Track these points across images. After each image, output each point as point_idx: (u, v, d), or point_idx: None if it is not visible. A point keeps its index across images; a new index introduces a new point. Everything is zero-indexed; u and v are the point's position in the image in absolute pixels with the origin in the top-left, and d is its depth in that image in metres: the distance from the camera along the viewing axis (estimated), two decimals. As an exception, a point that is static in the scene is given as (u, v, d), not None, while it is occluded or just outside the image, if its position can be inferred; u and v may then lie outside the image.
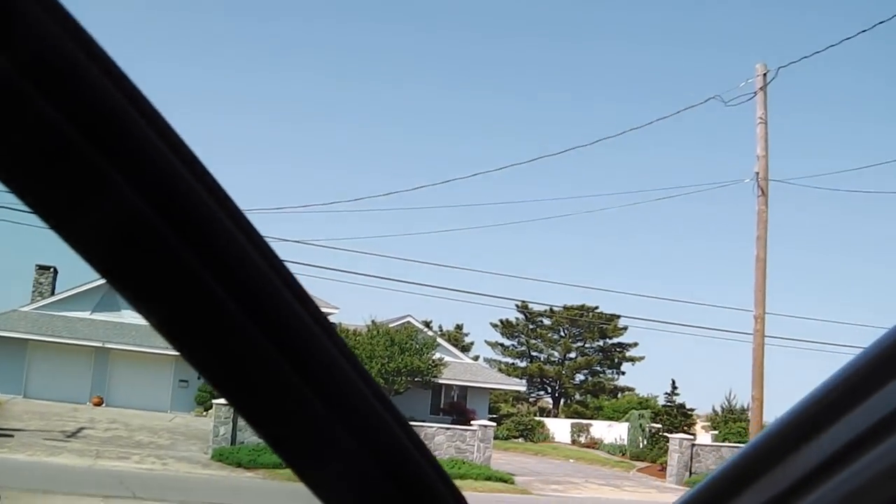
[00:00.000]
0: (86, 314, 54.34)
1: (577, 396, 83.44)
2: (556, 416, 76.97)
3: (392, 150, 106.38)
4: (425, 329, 60.44)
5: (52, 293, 57.18)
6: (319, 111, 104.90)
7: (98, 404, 51.54)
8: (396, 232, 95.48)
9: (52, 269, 59.03)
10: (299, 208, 45.57)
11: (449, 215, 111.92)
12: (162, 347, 52.10)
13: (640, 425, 55.89)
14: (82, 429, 40.02)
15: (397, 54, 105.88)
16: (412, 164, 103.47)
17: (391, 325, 54.38)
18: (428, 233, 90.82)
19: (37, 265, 59.10)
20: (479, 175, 53.67)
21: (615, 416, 65.56)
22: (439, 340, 58.23)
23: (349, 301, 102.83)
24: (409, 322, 58.76)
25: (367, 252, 67.22)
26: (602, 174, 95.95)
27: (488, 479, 38.53)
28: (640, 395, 77.36)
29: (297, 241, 47.74)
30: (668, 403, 59.82)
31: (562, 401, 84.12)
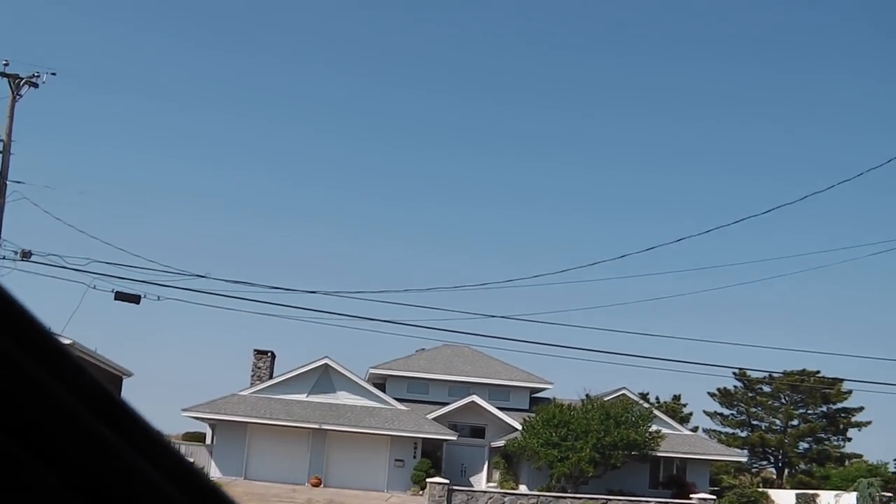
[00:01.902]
0: (302, 396, 55.40)
1: (802, 465, 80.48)
2: (780, 486, 74.35)
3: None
4: (641, 401, 59.40)
5: (270, 377, 58.57)
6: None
7: (316, 485, 52.26)
8: (603, 303, 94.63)
9: (269, 354, 60.63)
10: (504, 283, 45.51)
11: (653, 284, 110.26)
12: (377, 428, 52.74)
13: (870, 494, 53.37)
14: (301, 510, 40.56)
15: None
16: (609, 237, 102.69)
17: (606, 398, 53.66)
18: (637, 302, 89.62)
19: (255, 350, 60.80)
20: (684, 240, 52.55)
21: (843, 484, 62.84)
22: (656, 412, 57.13)
23: (562, 375, 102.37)
24: (624, 394, 57.90)
25: (579, 325, 66.80)
26: (811, 231, 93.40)
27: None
28: (869, 462, 74.13)
29: (504, 317, 47.71)
30: (900, 470, 57.15)
31: (785, 471, 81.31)
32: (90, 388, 0.80)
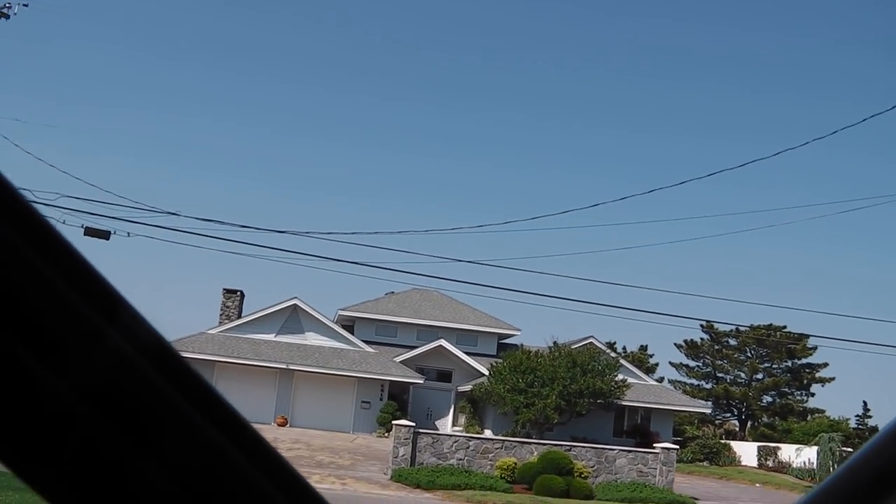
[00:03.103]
0: (270, 336, 55.42)
1: (765, 419, 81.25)
2: (742, 438, 75.07)
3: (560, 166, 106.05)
4: (608, 350, 59.68)
5: (239, 316, 58.54)
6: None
7: (282, 424, 52.44)
8: (576, 251, 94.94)
9: (238, 293, 60.55)
10: (475, 228, 45.46)
11: (628, 233, 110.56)
12: (345, 369, 52.85)
13: (831, 449, 53.88)
14: (266, 449, 40.62)
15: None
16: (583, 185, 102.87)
17: (573, 347, 53.82)
18: (607, 251, 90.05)
19: (224, 289, 60.71)
20: (656, 192, 52.62)
21: (804, 439, 63.46)
22: (622, 362, 57.42)
23: (531, 322, 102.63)
24: (591, 343, 58.12)
25: (549, 272, 66.92)
26: (788, 183, 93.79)
27: (670, 503, 37.76)
28: (831, 418, 74.94)
29: (474, 262, 47.72)
30: (860, 426, 57.62)
31: (748, 423, 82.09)
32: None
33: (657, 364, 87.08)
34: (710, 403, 73.39)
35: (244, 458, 0.81)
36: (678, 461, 44.69)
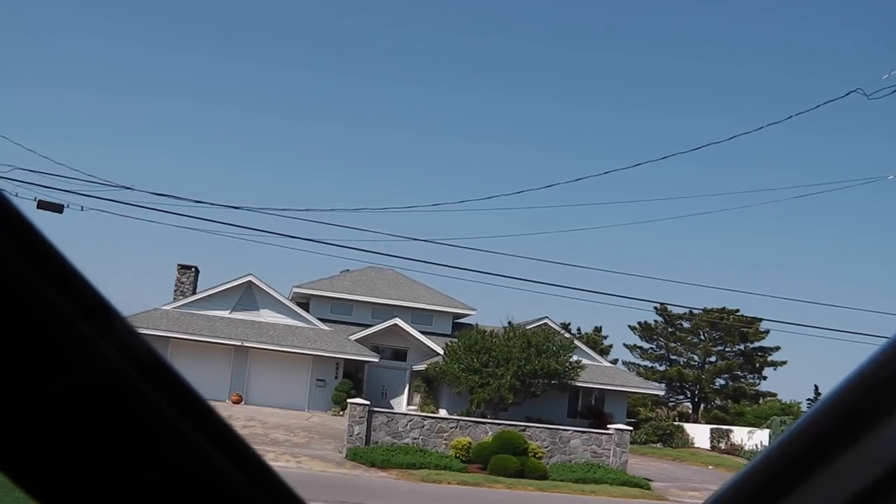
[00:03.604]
0: (225, 313, 55.10)
1: (718, 401, 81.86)
2: (695, 421, 75.67)
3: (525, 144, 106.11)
4: (563, 331, 59.83)
5: (194, 292, 58.14)
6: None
7: (237, 402, 52.18)
8: (531, 231, 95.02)
9: (193, 269, 60.09)
10: (430, 207, 45.23)
11: (583, 214, 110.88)
12: (299, 347, 52.65)
13: (783, 431, 54.19)
14: (220, 426, 40.40)
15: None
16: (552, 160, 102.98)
17: (528, 327, 53.89)
18: (562, 231, 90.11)
19: (179, 265, 60.25)
20: (611, 173, 52.69)
21: (756, 421, 64.07)
22: (577, 343, 57.54)
23: (486, 303, 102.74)
24: (546, 324, 58.28)
25: (504, 252, 66.95)
26: (731, 171, 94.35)
27: (624, 484, 37.88)
28: (783, 401, 75.64)
29: (429, 241, 47.60)
30: (812, 410, 58.04)
31: (701, 406, 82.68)
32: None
33: (611, 346, 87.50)
34: (663, 386, 73.85)
35: (231, 465, 0.82)
36: (632, 443, 44.91)
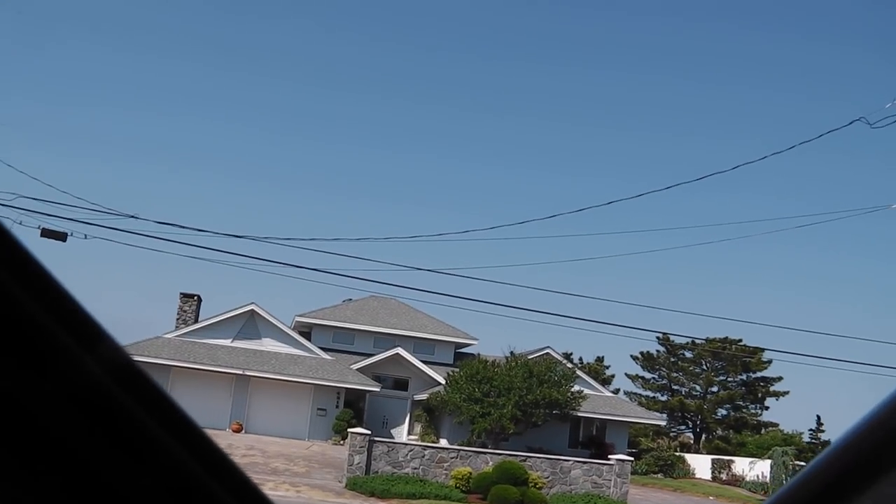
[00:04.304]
0: (227, 342, 55.17)
1: (719, 431, 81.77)
2: (697, 451, 75.48)
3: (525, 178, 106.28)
4: (564, 361, 59.85)
5: (196, 321, 58.22)
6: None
7: (237, 430, 52.17)
8: (533, 261, 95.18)
9: (195, 298, 60.21)
10: (434, 237, 45.28)
11: (586, 244, 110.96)
12: (301, 376, 52.66)
13: (784, 462, 54.21)
14: (220, 455, 40.38)
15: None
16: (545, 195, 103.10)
17: (530, 357, 53.95)
18: (565, 262, 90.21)
19: (181, 293, 60.37)
20: (615, 203, 52.79)
21: (758, 452, 63.89)
22: (579, 373, 57.60)
23: (488, 332, 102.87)
24: (548, 353, 58.31)
25: (507, 282, 67.04)
26: (737, 201, 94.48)
27: (624, 514, 37.85)
28: (785, 432, 75.48)
29: (432, 270, 47.71)
30: (813, 440, 58.02)
31: (703, 436, 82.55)
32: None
33: (613, 375, 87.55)
34: (665, 415, 73.76)
35: (213, 478, 0.83)
36: (632, 473, 44.85)
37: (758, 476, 57.62)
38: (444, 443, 50.03)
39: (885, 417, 0.84)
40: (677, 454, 66.17)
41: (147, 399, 0.80)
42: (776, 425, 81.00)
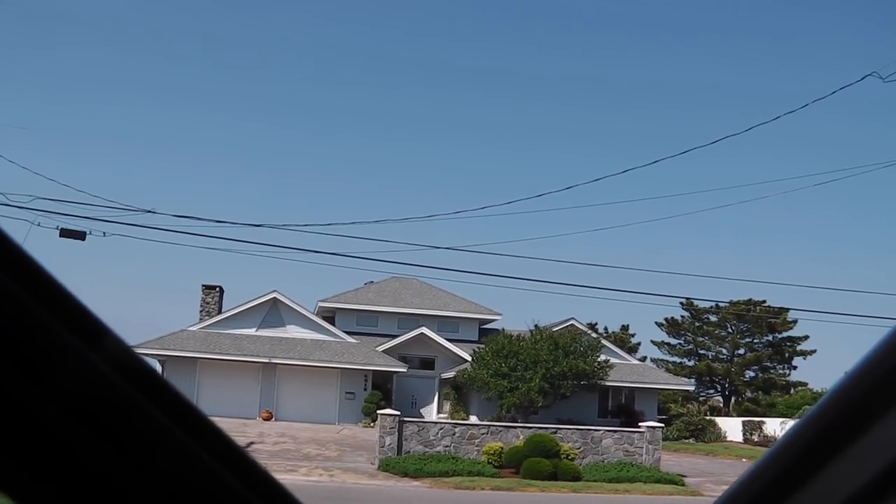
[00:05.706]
0: (251, 331, 55.27)
1: (748, 394, 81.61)
2: (727, 414, 75.42)
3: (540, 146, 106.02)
4: (589, 331, 59.78)
5: (219, 312, 58.37)
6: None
7: (267, 419, 52.30)
8: (552, 233, 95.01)
9: (217, 289, 60.34)
10: (452, 214, 45.28)
11: (604, 213, 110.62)
12: (327, 361, 52.74)
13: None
14: (252, 443, 40.56)
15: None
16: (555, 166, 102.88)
17: (555, 329, 53.88)
18: (584, 232, 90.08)
19: (203, 285, 60.51)
20: (630, 171, 52.52)
21: (788, 412, 63.82)
22: (604, 342, 57.52)
23: (511, 306, 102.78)
24: (572, 325, 58.27)
25: (527, 256, 66.91)
26: (756, 160, 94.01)
27: (658, 481, 37.75)
28: (814, 390, 75.30)
29: (452, 248, 47.68)
30: (844, 397, 57.74)
31: (732, 399, 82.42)
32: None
33: (639, 343, 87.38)
34: (693, 380, 73.62)
35: (228, 471, 0.83)
36: (664, 439, 44.75)
37: (789, 436, 57.49)
38: (473, 419, 50.06)
39: (872, 367, 0.88)
40: (708, 418, 66.14)
41: (153, 392, 0.80)
42: (805, 384, 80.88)
